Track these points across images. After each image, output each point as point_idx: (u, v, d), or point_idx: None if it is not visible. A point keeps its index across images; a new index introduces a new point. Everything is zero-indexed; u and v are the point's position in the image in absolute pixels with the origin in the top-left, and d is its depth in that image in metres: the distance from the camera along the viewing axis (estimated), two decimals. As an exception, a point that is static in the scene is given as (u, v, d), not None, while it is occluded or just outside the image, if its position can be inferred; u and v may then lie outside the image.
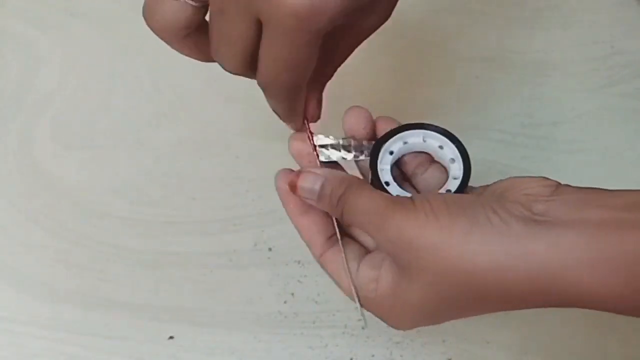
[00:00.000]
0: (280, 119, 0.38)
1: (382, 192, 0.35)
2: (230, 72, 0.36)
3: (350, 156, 0.39)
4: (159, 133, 0.56)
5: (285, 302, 0.48)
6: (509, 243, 0.30)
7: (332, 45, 0.37)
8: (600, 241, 0.29)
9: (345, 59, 0.39)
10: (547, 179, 0.33)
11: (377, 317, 0.36)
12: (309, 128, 0.39)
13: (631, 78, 0.57)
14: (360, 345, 0.47)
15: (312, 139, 0.39)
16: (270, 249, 0.50)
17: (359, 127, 0.39)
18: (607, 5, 0.61)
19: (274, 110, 0.38)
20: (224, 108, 0.57)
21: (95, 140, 0.56)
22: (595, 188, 0.32)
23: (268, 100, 0.37)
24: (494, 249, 0.30)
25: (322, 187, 0.36)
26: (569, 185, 0.33)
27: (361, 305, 0.37)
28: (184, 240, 0.51)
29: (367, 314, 0.37)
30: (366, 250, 0.37)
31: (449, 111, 0.56)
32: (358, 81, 0.57)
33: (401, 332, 0.47)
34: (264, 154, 0.54)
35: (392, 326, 0.36)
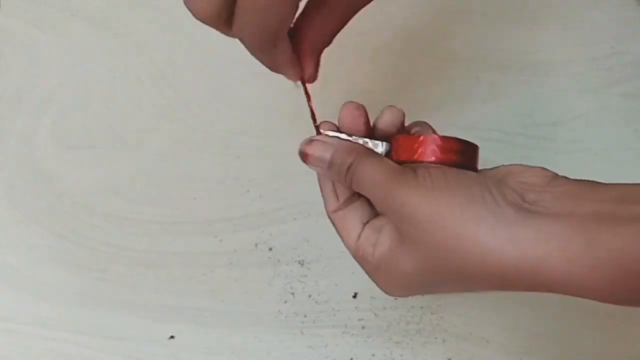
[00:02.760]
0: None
1: (389, 162, 0.36)
2: (204, 22, 0.35)
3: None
4: (159, 133, 0.56)
5: (285, 302, 0.48)
6: (498, 225, 0.31)
7: (328, 10, 0.38)
8: (585, 234, 0.30)
9: (343, 26, 0.40)
10: (546, 169, 0.34)
11: (372, 279, 0.38)
12: (306, 88, 0.40)
13: (631, 78, 0.57)
14: (360, 345, 0.47)
15: (310, 100, 0.39)
16: (270, 249, 0.50)
17: (357, 123, 0.39)
18: (607, 5, 0.61)
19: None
20: (224, 108, 0.57)
21: (95, 140, 0.56)
22: (590, 181, 0.33)
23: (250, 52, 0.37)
24: (484, 229, 0.31)
25: (332, 155, 0.37)
26: (566, 177, 0.34)
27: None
28: (184, 240, 0.51)
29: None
30: (377, 213, 0.39)
31: (449, 111, 0.56)
32: (358, 81, 0.57)
33: (401, 332, 0.47)
34: (264, 154, 0.54)
35: (383, 290, 0.37)
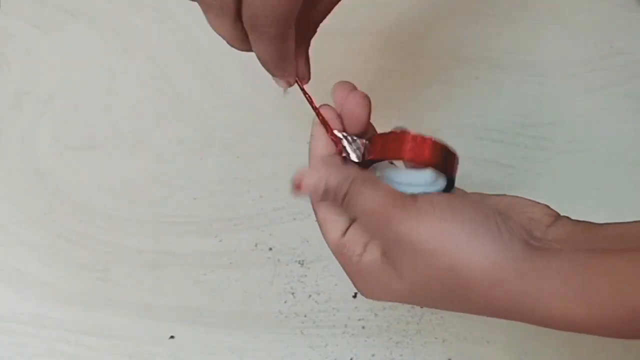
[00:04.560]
0: (271, 72, 0.38)
1: (386, 188, 0.35)
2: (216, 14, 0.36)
3: (353, 156, 0.38)
4: (159, 133, 0.56)
5: (285, 302, 0.49)
6: (506, 260, 0.31)
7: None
8: (584, 266, 0.30)
9: (328, 13, 0.39)
10: (549, 208, 0.34)
11: (350, 277, 0.37)
12: (303, 88, 0.39)
13: (631, 78, 0.57)
14: (360, 345, 0.47)
15: (310, 98, 0.39)
16: (270, 249, 0.50)
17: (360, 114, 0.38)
18: (607, 5, 0.61)
19: (263, 64, 0.38)
20: (224, 108, 0.57)
21: (95, 140, 0.56)
22: (592, 222, 0.33)
23: (257, 49, 0.37)
24: (490, 263, 0.31)
25: (327, 184, 0.36)
26: (569, 218, 0.33)
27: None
28: (184, 240, 0.51)
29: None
30: None
31: (449, 111, 0.56)
32: (358, 81, 0.57)
33: (401, 332, 0.47)
34: (264, 154, 0.54)
35: (359, 291, 0.37)
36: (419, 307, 0.48)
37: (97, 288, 0.49)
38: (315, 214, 0.37)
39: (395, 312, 0.48)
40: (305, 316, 0.48)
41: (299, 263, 0.50)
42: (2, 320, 0.48)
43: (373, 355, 0.47)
